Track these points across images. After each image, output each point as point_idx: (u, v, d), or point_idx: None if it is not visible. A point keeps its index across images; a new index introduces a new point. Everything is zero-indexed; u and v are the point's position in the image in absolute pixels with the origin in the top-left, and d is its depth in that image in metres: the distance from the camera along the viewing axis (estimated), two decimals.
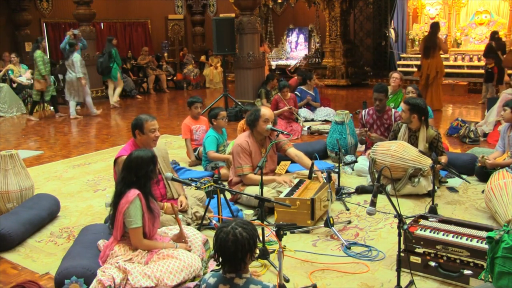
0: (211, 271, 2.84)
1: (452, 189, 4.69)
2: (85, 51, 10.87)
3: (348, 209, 4.26)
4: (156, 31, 16.48)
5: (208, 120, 5.56)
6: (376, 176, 3.07)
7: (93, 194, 4.96)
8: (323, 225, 3.73)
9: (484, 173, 4.66)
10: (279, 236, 2.88)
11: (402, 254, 2.88)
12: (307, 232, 3.76)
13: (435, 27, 9.29)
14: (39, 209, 4.09)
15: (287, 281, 3.03)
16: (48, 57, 10.98)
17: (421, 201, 4.40)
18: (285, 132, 4.41)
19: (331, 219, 3.70)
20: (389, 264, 3.25)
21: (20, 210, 4.04)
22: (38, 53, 9.33)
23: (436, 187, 4.24)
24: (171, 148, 6.62)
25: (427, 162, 4.34)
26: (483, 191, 4.31)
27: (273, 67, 14.26)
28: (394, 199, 2.81)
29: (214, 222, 3.86)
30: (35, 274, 3.31)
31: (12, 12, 12.72)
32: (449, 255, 2.99)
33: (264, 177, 3.87)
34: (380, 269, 3.20)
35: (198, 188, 4.13)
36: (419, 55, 12.60)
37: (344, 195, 4.55)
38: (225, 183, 4.50)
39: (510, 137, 4.66)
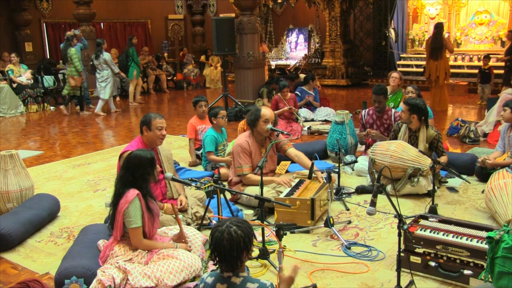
0: (210, 271, 2.84)
1: (452, 189, 4.69)
2: (85, 51, 10.88)
3: (348, 209, 4.26)
4: (156, 31, 16.49)
5: (208, 119, 5.58)
6: (376, 176, 3.07)
7: (93, 194, 4.96)
8: (323, 225, 3.73)
9: (484, 173, 4.66)
10: (279, 236, 2.88)
11: (402, 254, 2.88)
12: (307, 232, 3.76)
13: (440, 27, 9.01)
14: (39, 209, 4.09)
15: None
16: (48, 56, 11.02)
17: (421, 201, 4.40)
18: (285, 132, 4.41)
19: (331, 219, 3.70)
20: (389, 264, 3.25)
21: (20, 210, 4.04)
22: (72, 50, 9.53)
23: (436, 187, 4.24)
24: (171, 148, 6.58)
25: (426, 162, 4.34)
26: (483, 191, 4.31)
27: (273, 67, 14.26)
28: (394, 199, 2.81)
29: (214, 222, 3.86)
30: (35, 274, 3.30)
31: (12, 12, 12.72)
32: (449, 255, 2.99)
33: (263, 178, 3.87)
34: (380, 269, 3.20)
35: (198, 188, 4.14)
36: (419, 55, 12.73)
37: (344, 195, 4.55)
38: (225, 183, 4.51)
39: (510, 137, 4.65)
